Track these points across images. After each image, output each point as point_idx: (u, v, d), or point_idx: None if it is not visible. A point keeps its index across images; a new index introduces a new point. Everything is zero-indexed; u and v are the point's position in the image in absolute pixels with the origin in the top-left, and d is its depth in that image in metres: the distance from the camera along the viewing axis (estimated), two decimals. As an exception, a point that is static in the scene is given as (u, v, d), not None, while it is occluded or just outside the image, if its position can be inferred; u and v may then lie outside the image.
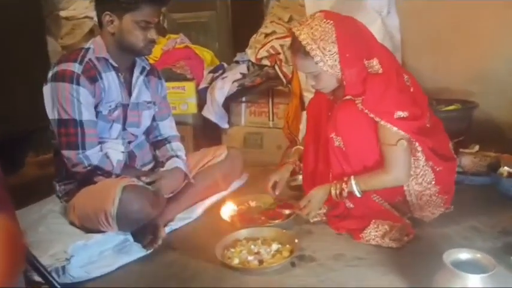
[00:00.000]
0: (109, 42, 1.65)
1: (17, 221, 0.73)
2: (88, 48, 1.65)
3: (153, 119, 1.87)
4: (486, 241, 1.49)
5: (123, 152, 1.70)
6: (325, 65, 1.51)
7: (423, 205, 1.60)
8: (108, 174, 1.62)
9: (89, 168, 1.59)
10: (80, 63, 1.59)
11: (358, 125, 1.53)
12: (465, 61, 2.49)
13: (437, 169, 1.57)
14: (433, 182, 1.58)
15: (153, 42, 1.66)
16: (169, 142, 1.90)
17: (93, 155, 1.59)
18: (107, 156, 1.63)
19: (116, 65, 1.66)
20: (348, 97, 1.55)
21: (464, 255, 1.18)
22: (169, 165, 1.80)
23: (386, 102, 1.49)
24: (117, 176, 1.63)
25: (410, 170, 1.54)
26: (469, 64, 2.48)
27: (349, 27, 1.55)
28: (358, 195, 1.55)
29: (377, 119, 1.49)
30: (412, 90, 1.58)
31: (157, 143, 1.91)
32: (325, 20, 1.52)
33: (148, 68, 1.80)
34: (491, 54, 2.43)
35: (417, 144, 1.52)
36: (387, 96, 1.49)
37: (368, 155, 1.57)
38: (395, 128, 1.48)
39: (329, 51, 1.50)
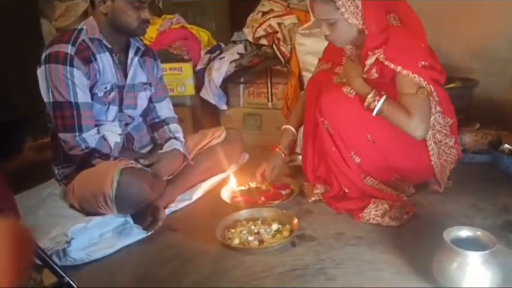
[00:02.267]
0: (102, 22, 1.61)
1: (20, 219, 0.73)
2: (81, 29, 1.62)
3: (150, 100, 1.85)
4: (486, 219, 1.49)
5: (120, 135, 1.68)
6: (347, 11, 1.46)
7: (444, 164, 1.61)
8: (105, 156, 1.61)
9: (86, 151, 1.58)
10: (73, 44, 1.56)
11: (345, 109, 1.52)
12: (466, 39, 2.46)
13: (449, 121, 1.59)
14: (449, 133, 1.59)
15: (147, 22, 1.62)
16: (167, 124, 1.88)
17: (90, 138, 1.58)
18: (104, 138, 1.62)
19: (109, 46, 1.63)
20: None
21: (464, 232, 1.18)
22: (167, 147, 1.78)
23: (410, 52, 1.47)
24: (115, 158, 1.62)
25: (430, 123, 1.51)
26: (470, 42, 2.46)
27: None
28: (374, 114, 1.49)
29: (398, 68, 1.46)
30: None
31: (155, 125, 1.89)
32: None
33: (142, 48, 1.76)
34: (493, 32, 2.39)
35: (435, 94, 1.51)
36: (411, 46, 1.47)
37: (358, 137, 1.56)
38: (416, 78, 1.46)
39: None
